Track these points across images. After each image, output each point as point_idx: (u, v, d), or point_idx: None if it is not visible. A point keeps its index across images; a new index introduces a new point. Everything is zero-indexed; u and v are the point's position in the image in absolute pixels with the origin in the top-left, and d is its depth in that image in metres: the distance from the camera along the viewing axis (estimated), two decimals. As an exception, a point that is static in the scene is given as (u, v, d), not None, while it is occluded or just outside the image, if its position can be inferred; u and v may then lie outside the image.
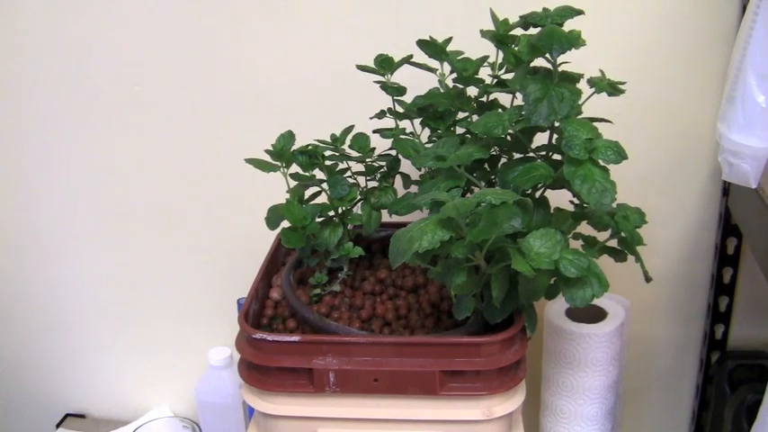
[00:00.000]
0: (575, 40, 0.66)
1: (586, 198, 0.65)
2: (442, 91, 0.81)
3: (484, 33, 0.76)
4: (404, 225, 0.69)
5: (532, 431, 0.97)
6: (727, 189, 1.00)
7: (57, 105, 1.09)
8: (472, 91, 0.82)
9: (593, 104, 0.71)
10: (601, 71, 0.71)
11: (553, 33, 0.67)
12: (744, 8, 0.87)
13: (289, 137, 0.80)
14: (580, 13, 0.70)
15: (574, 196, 0.70)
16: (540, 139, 0.74)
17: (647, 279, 0.73)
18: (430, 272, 0.71)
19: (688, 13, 0.94)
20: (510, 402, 0.72)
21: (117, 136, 1.10)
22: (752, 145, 0.79)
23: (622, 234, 0.71)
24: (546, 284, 0.66)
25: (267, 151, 0.79)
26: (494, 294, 0.67)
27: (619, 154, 0.66)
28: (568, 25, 0.69)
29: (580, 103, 0.69)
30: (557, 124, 0.68)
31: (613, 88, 0.70)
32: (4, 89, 1.10)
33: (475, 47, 0.80)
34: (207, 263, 1.14)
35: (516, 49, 0.72)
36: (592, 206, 0.65)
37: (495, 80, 0.80)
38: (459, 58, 0.79)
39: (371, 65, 0.81)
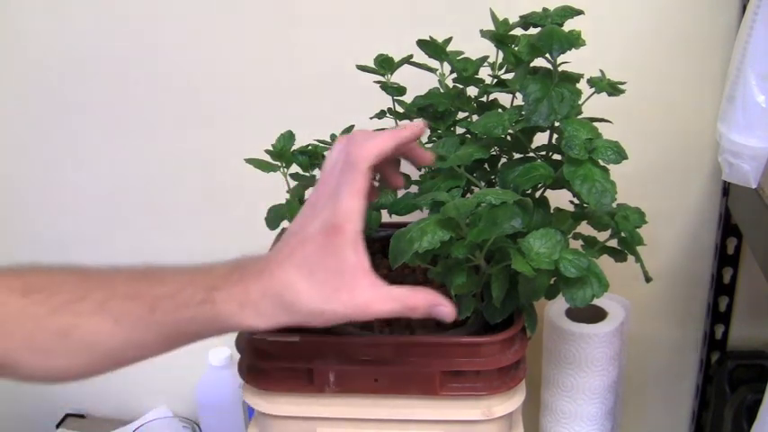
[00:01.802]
0: (575, 40, 0.66)
1: (586, 198, 0.65)
2: (441, 91, 0.81)
3: (484, 33, 0.76)
4: (404, 225, 0.69)
5: (532, 431, 0.97)
6: (727, 189, 1.00)
7: (55, 105, 1.09)
8: (472, 91, 0.82)
9: (594, 104, 0.71)
10: (601, 71, 0.71)
11: (553, 33, 0.67)
12: (744, 8, 0.87)
13: (289, 137, 0.80)
14: (580, 12, 0.70)
15: (574, 196, 0.70)
16: (540, 139, 0.74)
17: (647, 279, 0.73)
18: (430, 272, 0.71)
19: (688, 13, 0.94)
20: (510, 402, 0.72)
21: (116, 136, 1.10)
22: (752, 145, 0.79)
23: (622, 234, 0.71)
24: (546, 284, 0.66)
25: (267, 151, 0.79)
26: (494, 294, 0.67)
27: (619, 154, 0.66)
28: (568, 25, 0.69)
29: (580, 103, 0.69)
30: (557, 124, 0.68)
31: (613, 88, 0.70)
32: (3, 89, 1.10)
33: (474, 48, 0.80)
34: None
35: (516, 49, 0.72)
36: (592, 206, 0.65)
37: (496, 80, 0.80)
38: (459, 58, 0.79)
39: (371, 65, 0.81)
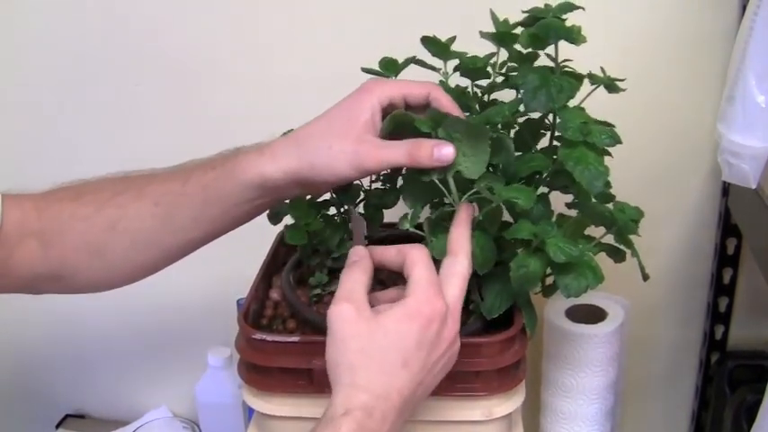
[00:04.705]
0: (575, 35, 0.67)
1: (579, 178, 0.65)
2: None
3: (484, 34, 0.76)
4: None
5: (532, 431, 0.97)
6: (726, 189, 1.00)
7: (56, 105, 1.09)
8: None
9: (593, 105, 0.71)
10: (602, 68, 0.71)
11: (552, 24, 0.68)
12: (744, 8, 0.87)
13: (290, 134, 0.80)
14: (579, 7, 0.70)
15: (570, 189, 0.71)
16: (544, 143, 0.74)
17: (645, 277, 0.73)
18: (402, 222, 0.70)
19: (688, 13, 0.94)
20: (510, 403, 0.72)
21: (116, 136, 1.10)
22: (751, 145, 0.79)
23: (618, 227, 0.71)
24: (539, 271, 0.66)
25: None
26: (477, 250, 0.67)
27: (613, 138, 0.67)
28: (569, 23, 0.69)
29: (580, 100, 0.69)
30: (558, 120, 0.69)
31: (612, 84, 0.71)
32: (3, 89, 1.10)
33: (472, 51, 0.80)
34: (206, 263, 1.14)
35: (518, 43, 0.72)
36: (584, 187, 0.65)
37: (500, 78, 0.80)
38: (468, 56, 0.79)
39: (371, 64, 0.81)
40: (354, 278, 0.62)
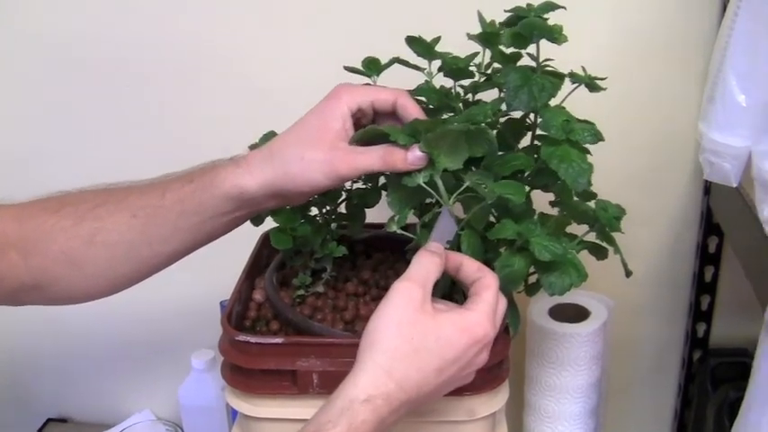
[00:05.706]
0: (556, 34, 0.67)
1: (563, 176, 0.65)
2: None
3: (471, 36, 0.76)
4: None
5: (516, 431, 0.97)
6: (708, 188, 1.00)
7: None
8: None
9: (576, 105, 0.71)
10: (582, 67, 0.72)
11: (534, 23, 0.68)
12: (724, 8, 0.88)
13: (271, 136, 0.79)
14: (561, 7, 0.71)
15: (551, 187, 0.70)
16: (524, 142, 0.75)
17: (627, 273, 0.73)
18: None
19: (669, 14, 0.95)
20: (493, 402, 0.72)
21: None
22: (732, 144, 0.80)
23: (601, 224, 0.71)
24: (524, 270, 0.66)
25: (251, 147, 0.79)
26: (462, 249, 0.67)
27: (595, 135, 0.68)
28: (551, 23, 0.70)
29: (562, 99, 0.69)
30: (540, 119, 0.69)
31: (592, 83, 0.71)
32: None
33: (458, 53, 0.80)
34: (189, 265, 1.13)
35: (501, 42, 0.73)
36: (569, 184, 0.65)
37: (484, 78, 0.80)
38: (450, 56, 0.79)
39: (353, 63, 0.81)
40: (430, 267, 0.63)
